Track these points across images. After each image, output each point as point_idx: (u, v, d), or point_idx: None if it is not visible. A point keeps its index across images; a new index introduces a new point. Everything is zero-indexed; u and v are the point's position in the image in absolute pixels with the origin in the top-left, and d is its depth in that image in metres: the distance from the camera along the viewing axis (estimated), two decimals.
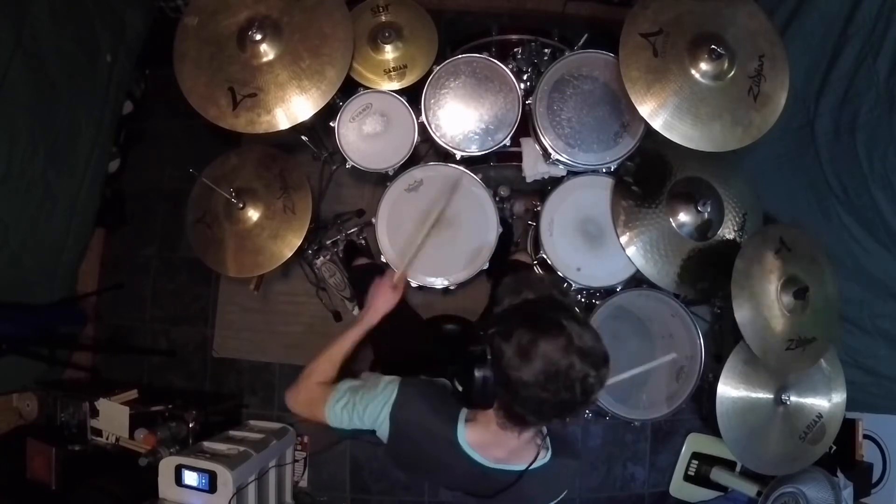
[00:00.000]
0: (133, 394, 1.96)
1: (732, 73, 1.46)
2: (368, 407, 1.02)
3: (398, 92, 1.75)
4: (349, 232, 2.10)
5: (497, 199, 1.77)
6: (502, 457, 0.98)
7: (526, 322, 0.85)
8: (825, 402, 1.77)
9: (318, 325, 2.23)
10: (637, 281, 1.75)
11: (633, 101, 1.43)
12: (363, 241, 2.13)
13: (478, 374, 0.85)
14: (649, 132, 1.58)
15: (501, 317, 0.90)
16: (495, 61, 1.69)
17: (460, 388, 0.89)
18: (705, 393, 1.81)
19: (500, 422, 0.91)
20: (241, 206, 1.70)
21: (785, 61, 1.50)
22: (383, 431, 1.02)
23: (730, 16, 1.49)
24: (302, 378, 1.14)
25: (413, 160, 1.76)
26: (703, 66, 1.44)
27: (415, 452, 1.05)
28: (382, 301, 1.26)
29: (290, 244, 1.71)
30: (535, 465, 0.98)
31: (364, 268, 1.78)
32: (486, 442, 0.98)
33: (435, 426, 0.99)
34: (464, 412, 1.01)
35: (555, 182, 1.76)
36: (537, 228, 1.74)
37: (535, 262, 1.88)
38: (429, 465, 1.07)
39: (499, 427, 0.92)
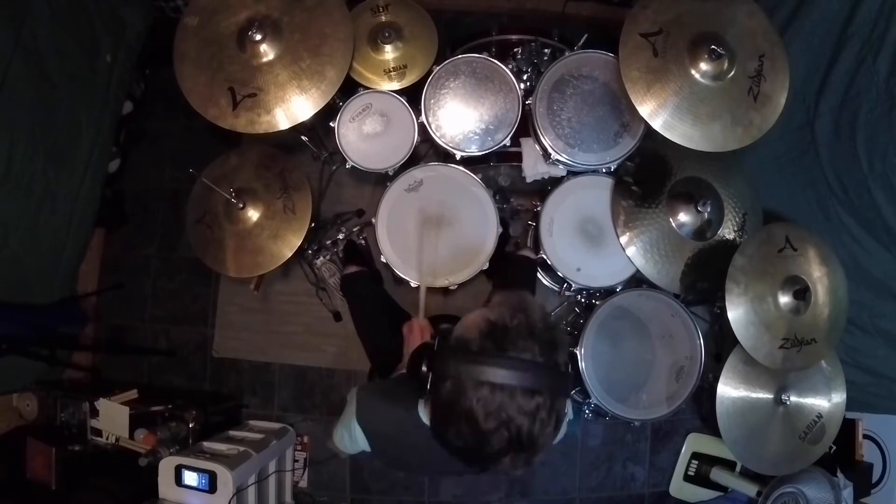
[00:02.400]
0: (133, 394, 1.96)
1: (732, 73, 1.46)
2: (347, 427, 1.02)
3: (398, 92, 1.75)
4: (351, 231, 2.10)
5: (496, 197, 1.77)
6: None
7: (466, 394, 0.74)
8: (825, 402, 1.77)
9: (318, 325, 2.23)
10: (637, 281, 1.75)
11: (633, 101, 1.44)
12: (363, 241, 2.13)
13: (423, 369, 0.82)
14: (649, 132, 1.59)
15: (459, 348, 0.77)
16: (495, 61, 1.69)
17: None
18: (705, 393, 1.81)
19: None
20: (242, 206, 1.70)
21: (785, 61, 1.50)
22: (364, 442, 1.02)
23: (730, 15, 1.50)
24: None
25: (413, 160, 1.76)
26: (703, 66, 1.44)
27: (398, 448, 1.05)
28: (413, 346, 1.23)
29: (290, 244, 1.71)
30: None
31: (354, 276, 1.76)
32: None
33: (401, 416, 0.97)
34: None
35: (555, 182, 1.76)
36: (537, 228, 1.74)
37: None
38: (417, 456, 1.06)
39: None
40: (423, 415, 0.96)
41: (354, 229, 2.10)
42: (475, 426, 0.73)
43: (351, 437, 1.03)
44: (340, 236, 2.09)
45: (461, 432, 0.75)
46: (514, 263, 1.77)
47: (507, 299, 0.79)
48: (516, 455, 0.75)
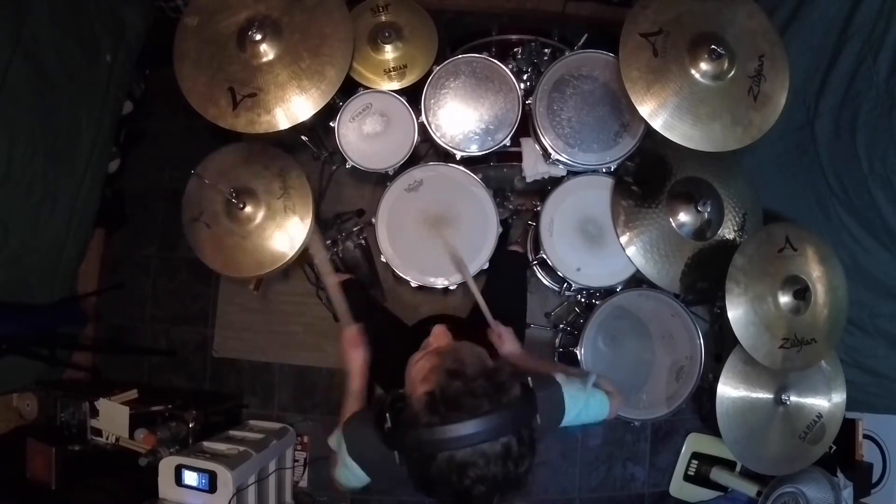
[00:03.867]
0: (133, 394, 1.96)
1: (732, 73, 1.46)
2: (344, 465, 1.03)
3: (398, 92, 1.75)
4: (351, 231, 2.10)
5: (496, 197, 1.77)
6: None
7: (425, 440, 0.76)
8: (825, 402, 1.77)
9: (318, 325, 2.24)
10: (637, 281, 1.75)
11: (633, 101, 1.44)
12: (363, 241, 2.13)
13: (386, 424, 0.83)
14: (649, 132, 1.59)
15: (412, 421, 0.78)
16: (495, 61, 1.69)
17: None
18: (705, 393, 1.82)
19: None
20: (242, 206, 1.70)
21: (785, 61, 1.50)
22: (363, 475, 1.03)
23: (730, 16, 1.49)
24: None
25: (413, 160, 1.76)
26: (703, 66, 1.44)
27: (392, 474, 1.04)
28: (349, 362, 1.26)
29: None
30: None
31: (344, 285, 1.76)
32: None
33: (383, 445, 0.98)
34: None
35: (555, 182, 1.76)
36: (537, 228, 1.74)
37: (535, 263, 1.89)
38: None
39: None
40: None
41: (354, 229, 2.10)
42: (452, 487, 0.75)
43: (352, 474, 1.03)
44: (340, 236, 2.08)
45: (443, 494, 0.77)
46: (504, 258, 1.77)
47: (440, 362, 0.80)
48: (504, 495, 0.77)
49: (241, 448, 1.84)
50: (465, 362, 0.80)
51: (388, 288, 2.19)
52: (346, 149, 1.73)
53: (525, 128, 1.72)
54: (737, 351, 1.68)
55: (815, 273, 1.61)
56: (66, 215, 2.01)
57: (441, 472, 0.75)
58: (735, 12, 1.50)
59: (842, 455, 1.97)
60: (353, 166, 1.72)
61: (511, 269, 1.74)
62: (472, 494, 0.75)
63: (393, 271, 1.69)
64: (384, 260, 1.69)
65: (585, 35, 1.77)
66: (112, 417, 1.87)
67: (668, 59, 1.45)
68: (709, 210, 1.65)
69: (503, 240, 1.78)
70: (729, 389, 1.70)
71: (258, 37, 1.50)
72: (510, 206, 2.02)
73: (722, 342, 1.86)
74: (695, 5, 1.49)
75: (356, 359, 1.26)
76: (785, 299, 1.57)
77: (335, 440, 1.09)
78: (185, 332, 2.31)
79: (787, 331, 1.57)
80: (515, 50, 1.76)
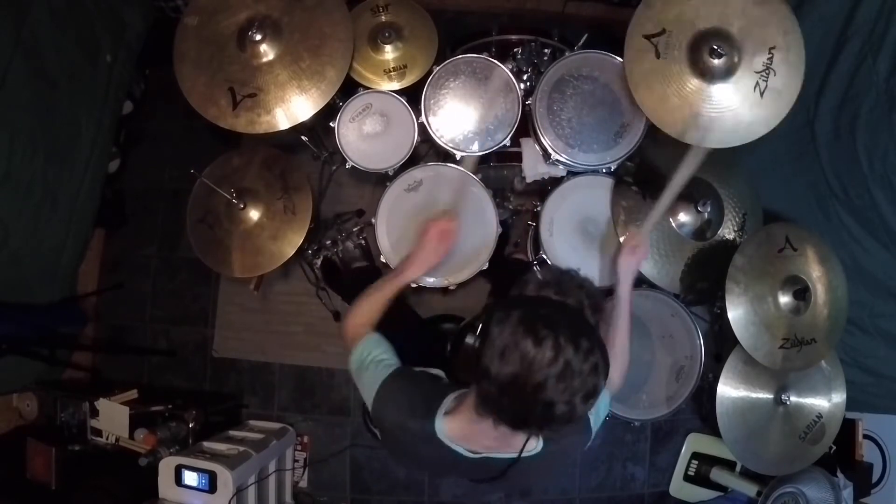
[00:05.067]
0: (133, 394, 1.96)
1: (738, 71, 1.44)
2: (366, 386, 1.03)
3: (398, 92, 1.75)
4: (351, 231, 2.10)
5: (496, 197, 1.77)
6: (489, 444, 0.96)
7: (525, 320, 0.78)
8: (825, 402, 1.77)
9: (318, 325, 2.23)
10: (637, 281, 1.75)
11: (636, 101, 1.43)
12: (363, 241, 2.13)
13: (467, 341, 0.85)
14: (649, 132, 1.58)
15: (511, 301, 0.85)
16: (495, 61, 1.69)
17: (450, 351, 0.89)
18: (705, 393, 1.81)
19: (475, 403, 0.86)
20: (242, 206, 1.70)
21: (801, 54, 1.46)
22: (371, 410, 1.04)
23: (733, 15, 1.48)
24: (348, 316, 1.17)
25: (413, 160, 1.76)
26: (707, 65, 1.43)
27: (398, 446, 1.06)
28: (433, 252, 1.19)
29: (291, 244, 1.71)
30: (526, 454, 0.95)
31: (363, 270, 1.77)
32: (467, 433, 0.95)
33: (411, 424, 0.98)
34: (443, 405, 0.98)
35: (555, 182, 1.76)
36: (537, 228, 1.74)
37: (535, 263, 1.88)
38: (416, 459, 1.07)
39: (476, 414, 0.88)
40: (441, 429, 0.96)
41: (354, 229, 2.10)
42: (526, 352, 0.75)
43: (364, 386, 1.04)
44: (340, 236, 2.08)
45: (509, 361, 0.76)
46: (511, 267, 1.78)
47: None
48: (562, 384, 0.74)
49: (241, 448, 1.84)
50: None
51: None
52: (346, 149, 1.72)
53: (525, 128, 1.72)
54: (737, 351, 1.68)
55: (815, 273, 1.61)
56: (66, 215, 2.01)
57: (521, 337, 0.75)
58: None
59: (842, 455, 1.97)
60: (353, 166, 1.72)
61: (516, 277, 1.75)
62: (539, 365, 0.74)
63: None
64: (384, 260, 1.69)
65: (585, 35, 1.77)
66: (112, 417, 1.87)
67: (671, 60, 1.44)
68: (709, 210, 1.65)
69: (503, 240, 1.78)
70: (729, 389, 1.70)
71: (258, 37, 1.51)
72: (510, 207, 2.01)
73: (722, 342, 1.86)
74: (697, 5, 1.48)
75: (440, 251, 1.22)
76: (785, 299, 1.57)
77: (363, 349, 1.07)
78: (185, 332, 2.31)
79: (787, 331, 1.57)
80: (515, 50, 1.75)
